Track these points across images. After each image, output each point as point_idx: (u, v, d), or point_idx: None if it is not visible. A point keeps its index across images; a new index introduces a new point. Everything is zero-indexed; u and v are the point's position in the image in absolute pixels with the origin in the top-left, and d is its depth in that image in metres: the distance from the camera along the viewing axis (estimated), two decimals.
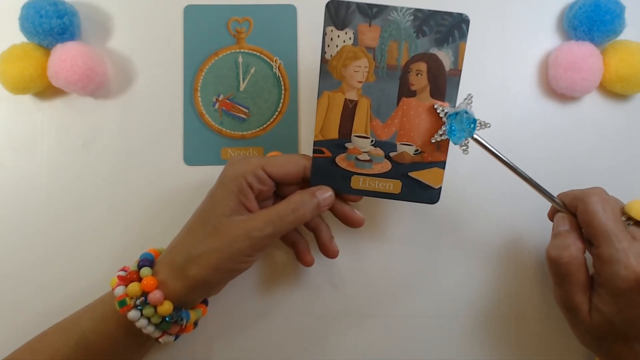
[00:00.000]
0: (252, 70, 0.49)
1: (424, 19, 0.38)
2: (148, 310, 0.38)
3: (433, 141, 0.39)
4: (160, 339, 0.40)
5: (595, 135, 0.48)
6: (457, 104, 0.39)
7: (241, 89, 0.49)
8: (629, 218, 0.39)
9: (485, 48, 0.49)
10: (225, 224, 0.39)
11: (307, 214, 0.40)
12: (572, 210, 0.40)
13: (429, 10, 0.38)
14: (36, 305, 0.47)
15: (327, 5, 0.38)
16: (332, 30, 0.39)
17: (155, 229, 0.48)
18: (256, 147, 0.48)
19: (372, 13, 0.38)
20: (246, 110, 0.48)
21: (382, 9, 0.38)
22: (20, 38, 0.46)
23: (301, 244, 0.45)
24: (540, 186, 0.40)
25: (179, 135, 0.48)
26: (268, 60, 0.49)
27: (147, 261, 0.41)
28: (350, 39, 0.39)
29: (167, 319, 0.39)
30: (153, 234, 0.48)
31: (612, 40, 0.47)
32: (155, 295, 0.38)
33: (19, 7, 0.46)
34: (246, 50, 0.49)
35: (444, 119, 0.38)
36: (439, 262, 0.48)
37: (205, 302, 0.44)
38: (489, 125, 0.39)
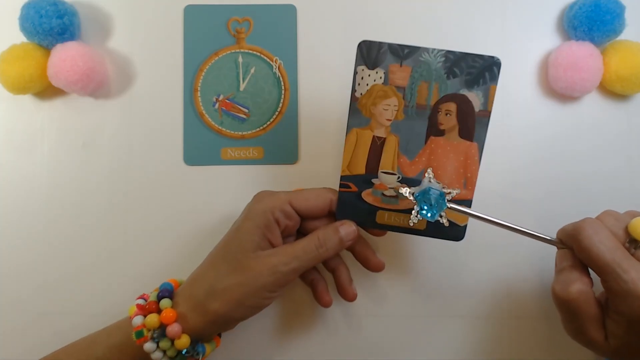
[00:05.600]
0: (252, 70, 0.49)
1: (455, 61, 0.38)
2: (165, 343, 0.38)
3: (411, 224, 0.39)
4: None
5: (595, 135, 0.48)
6: (421, 182, 0.39)
7: (241, 89, 0.49)
8: (634, 240, 0.35)
9: (486, 48, 0.49)
10: (250, 259, 0.38)
11: (331, 250, 0.40)
12: (571, 247, 0.38)
13: (461, 52, 0.38)
14: (36, 305, 0.47)
15: (359, 45, 0.38)
16: (363, 70, 0.39)
17: (155, 229, 0.48)
18: (256, 147, 0.48)
19: (404, 54, 0.38)
20: (246, 110, 0.48)
21: (414, 50, 0.38)
22: (20, 38, 0.46)
23: (320, 284, 0.44)
24: (534, 232, 0.39)
25: (179, 135, 0.48)
26: (268, 60, 0.49)
27: (167, 292, 0.40)
28: (380, 78, 0.39)
29: (183, 352, 0.38)
30: (152, 233, 0.48)
31: (612, 40, 0.47)
32: (173, 328, 0.38)
33: (19, 7, 0.46)
34: (246, 50, 0.49)
35: (413, 201, 0.38)
36: (444, 263, 0.48)
37: (218, 333, 0.43)
38: (457, 190, 0.39)
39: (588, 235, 0.36)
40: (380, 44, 0.38)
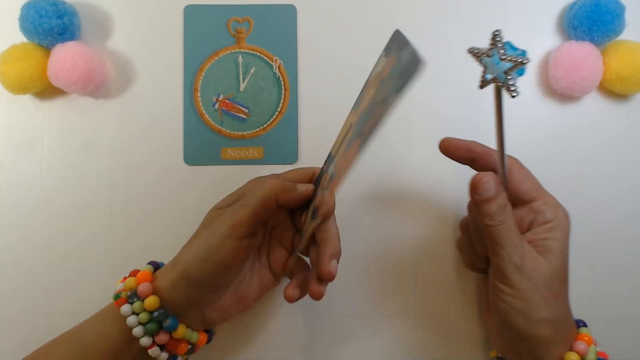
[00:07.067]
0: (252, 70, 0.49)
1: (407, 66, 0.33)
2: (137, 305, 0.38)
3: (481, 86, 0.32)
4: (149, 350, 0.39)
5: (595, 135, 0.48)
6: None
7: (241, 89, 0.49)
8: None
9: None
10: (215, 214, 0.40)
11: (291, 196, 0.39)
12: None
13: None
14: (36, 305, 0.47)
15: (395, 31, 0.34)
16: (383, 54, 0.36)
17: (155, 229, 0.48)
18: (256, 147, 0.48)
19: (397, 45, 0.34)
20: (246, 110, 0.49)
21: (404, 42, 0.33)
22: (20, 38, 0.46)
23: (296, 277, 0.41)
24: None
25: (179, 135, 0.48)
26: (268, 60, 0.49)
27: (154, 263, 0.42)
28: (382, 67, 0.36)
29: (154, 316, 0.38)
30: (153, 233, 0.48)
31: (612, 40, 0.47)
32: (144, 286, 0.38)
33: (19, 7, 0.46)
34: (246, 50, 0.49)
35: (487, 55, 0.32)
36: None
37: (207, 332, 0.42)
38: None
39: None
40: (404, 37, 0.33)
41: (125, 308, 0.38)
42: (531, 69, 0.49)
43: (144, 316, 0.38)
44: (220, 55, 0.49)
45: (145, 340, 0.38)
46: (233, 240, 0.38)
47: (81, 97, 0.48)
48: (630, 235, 0.48)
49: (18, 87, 0.46)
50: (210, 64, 0.48)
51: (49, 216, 0.48)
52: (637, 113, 0.49)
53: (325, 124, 0.48)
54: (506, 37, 0.50)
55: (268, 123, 0.48)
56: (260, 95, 0.49)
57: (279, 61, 0.49)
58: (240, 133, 0.48)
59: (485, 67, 0.32)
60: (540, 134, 0.48)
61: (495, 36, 0.32)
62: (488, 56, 0.32)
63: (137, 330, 0.38)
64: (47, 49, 0.47)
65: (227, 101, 0.48)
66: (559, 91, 0.47)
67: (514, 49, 0.33)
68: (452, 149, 0.40)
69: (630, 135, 0.48)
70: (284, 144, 0.48)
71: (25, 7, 0.45)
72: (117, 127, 0.48)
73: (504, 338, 0.39)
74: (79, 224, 0.48)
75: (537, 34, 0.49)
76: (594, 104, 0.49)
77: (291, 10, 0.49)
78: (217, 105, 0.48)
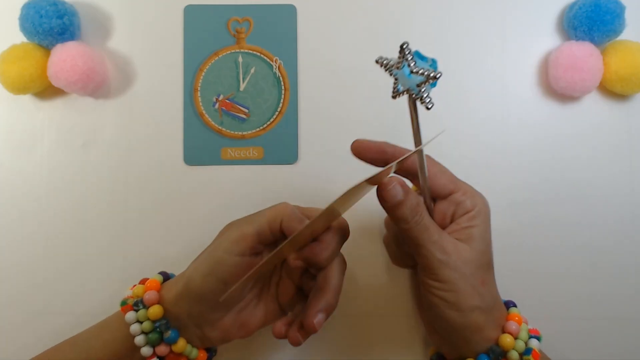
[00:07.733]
0: (252, 70, 0.49)
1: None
2: (142, 313, 0.38)
3: (393, 96, 0.32)
4: None
5: (595, 135, 0.48)
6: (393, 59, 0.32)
7: (241, 89, 0.49)
8: None
9: (486, 48, 0.49)
10: (225, 228, 0.39)
11: (294, 225, 0.37)
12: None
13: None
14: (36, 305, 0.47)
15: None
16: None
17: (154, 229, 0.48)
18: (256, 147, 0.48)
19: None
20: (246, 110, 0.49)
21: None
22: (20, 38, 0.46)
23: (294, 315, 0.40)
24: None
25: (179, 135, 0.48)
26: (268, 60, 0.49)
27: (165, 273, 0.42)
28: None
29: (156, 325, 0.38)
30: (152, 233, 0.48)
31: (612, 40, 0.47)
32: (150, 294, 0.38)
33: (19, 7, 0.46)
34: (246, 50, 0.49)
35: (396, 67, 0.31)
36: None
37: (208, 351, 0.41)
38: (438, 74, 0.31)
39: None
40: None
41: (130, 315, 0.38)
42: (531, 69, 0.49)
43: (147, 325, 0.38)
44: (220, 55, 0.49)
45: (145, 350, 0.38)
46: (234, 256, 0.37)
47: (81, 97, 0.48)
48: (630, 235, 0.48)
49: (18, 87, 0.46)
50: (210, 64, 0.49)
51: (48, 216, 0.48)
52: (637, 113, 0.49)
53: (325, 124, 0.48)
54: (506, 37, 0.50)
55: (268, 123, 0.48)
56: (260, 95, 0.49)
57: (279, 61, 0.49)
58: (240, 133, 0.48)
59: (396, 79, 0.32)
60: (540, 134, 0.48)
61: (404, 49, 0.31)
62: (398, 68, 0.31)
63: (139, 339, 0.38)
64: (47, 49, 0.47)
65: (227, 101, 0.48)
66: (559, 91, 0.47)
67: (423, 58, 0.32)
68: (364, 151, 0.39)
69: (631, 135, 0.48)
70: (284, 144, 0.48)
71: (25, 7, 0.45)
72: (117, 127, 0.48)
73: (439, 331, 0.39)
74: (78, 223, 0.48)
75: (537, 34, 0.49)
76: (594, 104, 0.49)
77: (291, 10, 0.49)
78: (217, 105, 0.48)
